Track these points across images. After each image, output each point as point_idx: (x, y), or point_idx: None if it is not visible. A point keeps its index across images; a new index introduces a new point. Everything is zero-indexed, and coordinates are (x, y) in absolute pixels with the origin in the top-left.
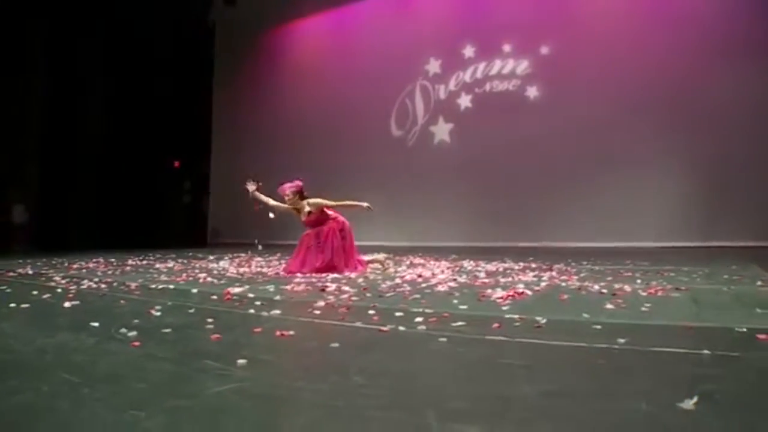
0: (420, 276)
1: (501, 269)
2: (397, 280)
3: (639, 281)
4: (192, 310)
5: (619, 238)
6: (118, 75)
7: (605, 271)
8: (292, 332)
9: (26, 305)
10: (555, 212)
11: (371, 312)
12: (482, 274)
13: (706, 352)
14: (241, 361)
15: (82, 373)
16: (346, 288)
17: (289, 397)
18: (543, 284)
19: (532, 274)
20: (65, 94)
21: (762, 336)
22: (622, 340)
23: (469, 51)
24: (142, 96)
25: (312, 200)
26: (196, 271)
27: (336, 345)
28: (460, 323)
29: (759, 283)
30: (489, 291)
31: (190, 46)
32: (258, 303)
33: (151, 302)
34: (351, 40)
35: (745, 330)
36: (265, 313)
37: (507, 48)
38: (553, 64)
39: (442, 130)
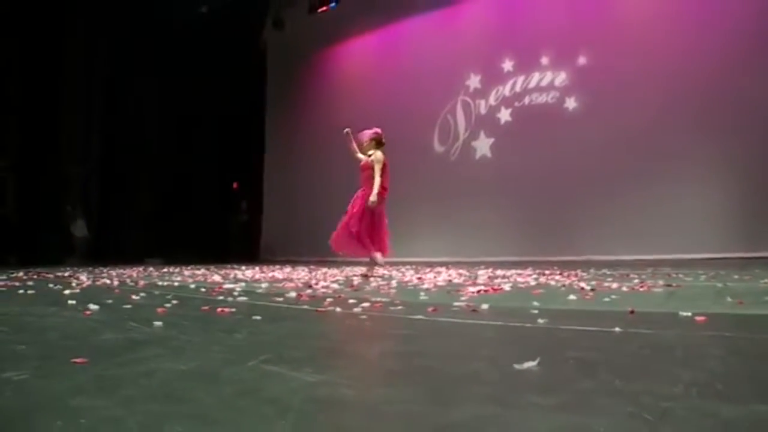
0: (420, 278)
1: (510, 274)
2: (394, 282)
3: (636, 281)
4: (169, 296)
5: (662, 249)
6: (176, 101)
7: (616, 275)
8: (233, 310)
9: (33, 291)
10: (596, 224)
11: (329, 300)
12: (485, 278)
13: (617, 329)
14: (157, 323)
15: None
16: (334, 286)
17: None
18: (532, 283)
19: (533, 276)
20: (125, 118)
21: (700, 318)
22: (541, 321)
23: (507, 65)
24: (199, 119)
25: (379, 153)
26: (215, 276)
27: (258, 318)
28: (398, 308)
29: (765, 281)
30: (468, 289)
31: (243, 70)
32: (237, 291)
33: (134, 291)
34: (395, 59)
35: (689, 314)
36: (229, 298)
37: (545, 60)
38: (591, 75)
39: (484, 145)
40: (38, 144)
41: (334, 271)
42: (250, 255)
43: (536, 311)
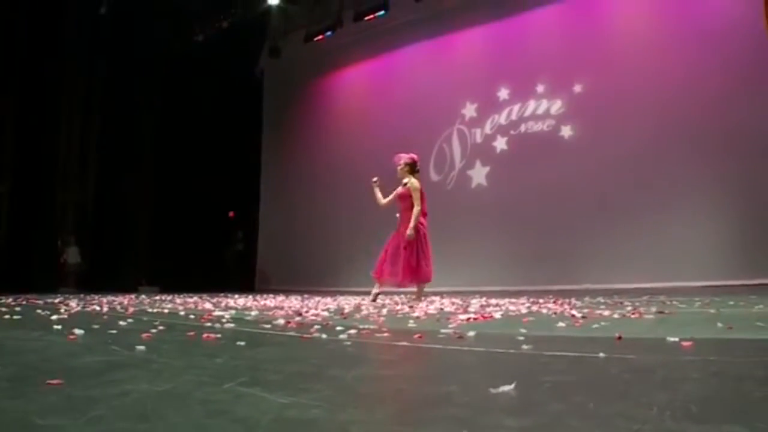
0: (411, 307)
1: (503, 302)
2: (384, 310)
3: (629, 308)
4: (156, 322)
5: (661, 277)
6: (172, 130)
7: (610, 302)
8: (219, 336)
9: (19, 317)
10: (594, 253)
11: (316, 327)
12: (477, 306)
13: (601, 355)
14: (139, 347)
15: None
16: (324, 313)
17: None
18: (524, 311)
19: (526, 304)
20: (121, 146)
21: (686, 343)
22: (525, 347)
23: (503, 93)
24: (195, 147)
25: (414, 180)
26: (206, 304)
27: (242, 343)
28: (384, 334)
29: (759, 306)
30: (458, 317)
31: (239, 98)
32: (226, 318)
33: (122, 317)
34: (390, 88)
35: (676, 340)
36: (217, 325)
37: (540, 88)
38: (587, 102)
39: (480, 174)
40: (33, 170)
41: (327, 299)
42: (245, 284)
43: (522, 338)
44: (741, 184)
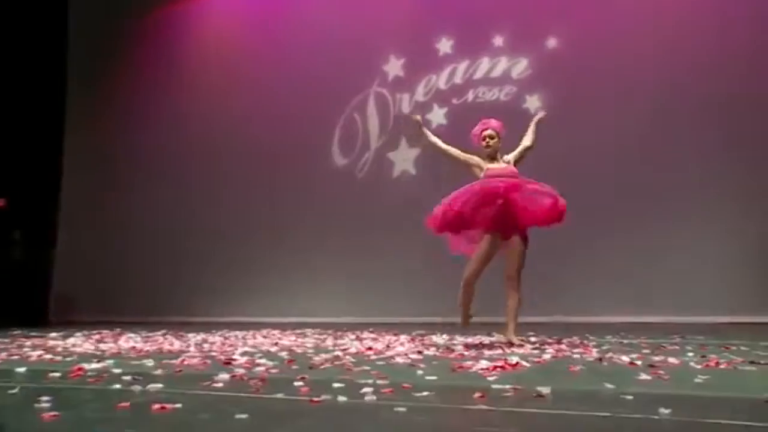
0: (370, 348)
1: (486, 342)
2: (337, 353)
3: (691, 354)
4: (13, 390)
5: (656, 310)
6: None
7: (639, 344)
8: (178, 405)
9: None
10: (565, 275)
11: (298, 383)
12: (459, 347)
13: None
14: None
15: None
16: (262, 360)
17: None
18: (547, 356)
19: (530, 346)
20: None
21: None
22: (665, 411)
23: (444, 45)
24: None
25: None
26: (25, 349)
27: (243, 416)
28: (425, 393)
29: None
30: (469, 363)
31: (30, 31)
32: (126, 378)
33: None
34: (277, 29)
35: None
36: (138, 387)
37: (498, 41)
38: (564, 64)
39: (406, 158)
40: None
41: (214, 338)
42: (30, 314)
43: (629, 396)
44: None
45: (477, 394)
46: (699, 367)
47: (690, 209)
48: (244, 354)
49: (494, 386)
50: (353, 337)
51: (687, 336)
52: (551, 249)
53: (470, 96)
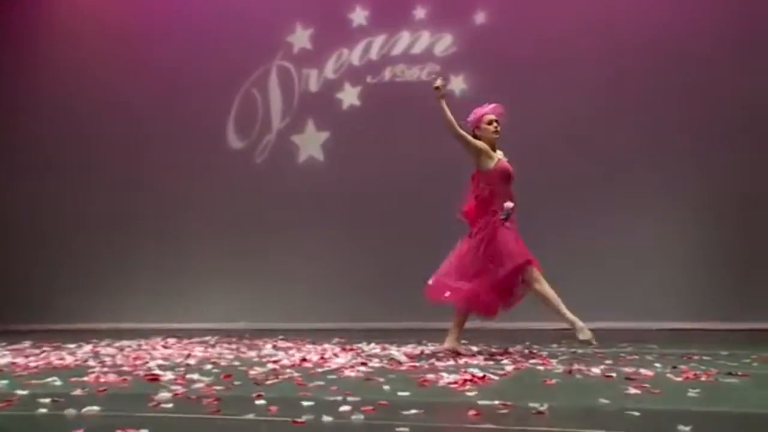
0: (305, 360)
1: (428, 352)
2: (270, 365)
3: (658, 365)
4: None
5: (593, 315)
6: None
7: (595, 354)
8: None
9: None
10: None
11: (261, 402)
12: (403, 357)
13: None
14: None
15: None
16: (194, 376)
17: None
18: (509, 368)
19: (482, 357)
20: None
21: None
22: (684, 428)
23: (359, 16)
24: None
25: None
26: None
27: None
28: (413, 411)
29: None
30: (430, 376)
31: None
32: (45, 401)
33: None
34: None
35: None
36: (72, 411)
37: (420, 14)
38: (495, 41)
39: (312, 142)
40: None
41: (109, 350)
42: None
43: (636, 413)
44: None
45: (472, 412)
46: (679, 379)
47: (631, 202)
48: (163, 368)
49: (480, 402)
50: (270, 346)
51: (637, 344)
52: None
53: (387, 74)
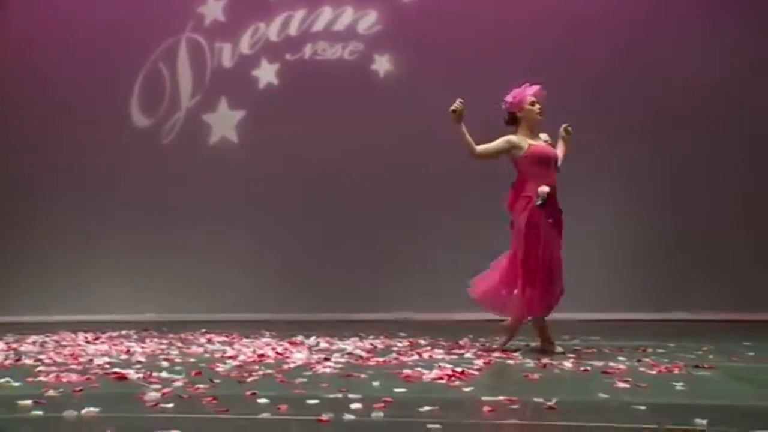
0: (262, 356)
1: (381, 347)
2: (230, 362)
3: (622, 358)
4: None
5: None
6: None
7: (584, 348)
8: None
9: None
10: (414, 264)
11: (263, 401)
12: (363, 353)
13: None
14: None
15: None
16: (163, 374)
17: None
18: (477, 363)
19: (441, 351)
20: None
21: None
22: (700, 420)
23: None
24: None
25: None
26: None
27: None
28: (427, 407)
29: None
30: (407, 371)
31: None
32: (26, 402)
33: None
34: None
35: None
36: (73, 413)
37: None
38: (421, 20)
39: (226, 121)
40: None
41: (22, 346)
42: None
43: (641, 407)
44: (661, 167)
45: (486, 408)
46: (654, 372)
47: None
48: (115, 365)
49: (485, 398)
50: (204, 340)
51: (579, 336)
52: (405, 226)
53: (307, 52)
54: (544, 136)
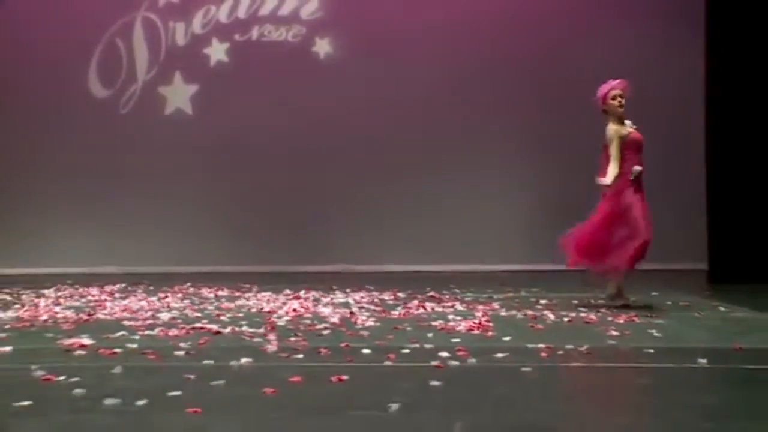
0: (295, 310)
1: (376, 300)
2: (276, 316)
3: (584, 310)
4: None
5: (438, 259)
6: None
7: (506, 299)
8: (345, 377)
9: None
10: (350, 221)
11: (367, 351)
12: (359, 310)
13: None
14: None
15: None
16: (244, 328)
17: None
18: (477, 314)
19: (432, 304)
20: None
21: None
22: (702, 360)
23: None
24: None
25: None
26: None
27: (437, 383)
28: (500, 354)
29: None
30: (440, 322)
31: None
32: (178, 354)
33: None
34: None
35: None
36: (235, 363)
37: None
38: (358, 7)
39: (180, 95)
40: None
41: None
42: None
43: (650, 350)
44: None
45: (543, 354)
46: (621, 321)
47: (478, 162)
48: (186, 321)
49: (529, 346)
50: (212, 294)
51: (488, 285)
52: (330, 190)
53: (255, 34)
54: (629, 123)
